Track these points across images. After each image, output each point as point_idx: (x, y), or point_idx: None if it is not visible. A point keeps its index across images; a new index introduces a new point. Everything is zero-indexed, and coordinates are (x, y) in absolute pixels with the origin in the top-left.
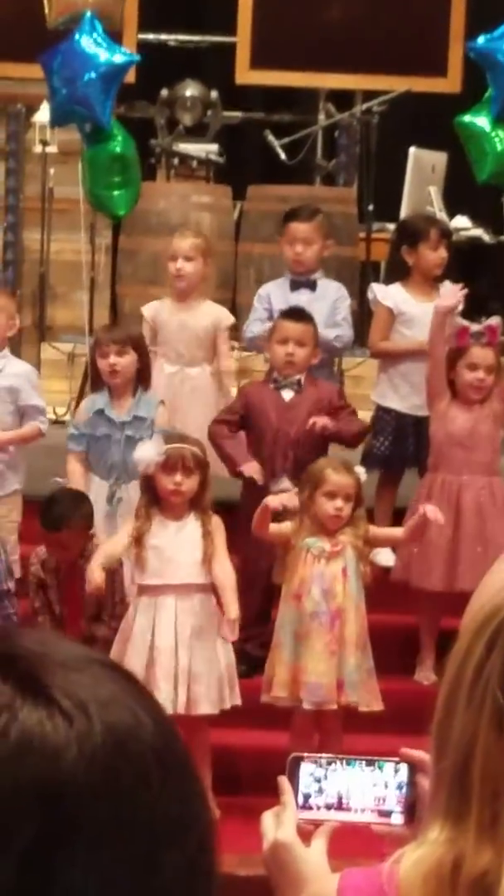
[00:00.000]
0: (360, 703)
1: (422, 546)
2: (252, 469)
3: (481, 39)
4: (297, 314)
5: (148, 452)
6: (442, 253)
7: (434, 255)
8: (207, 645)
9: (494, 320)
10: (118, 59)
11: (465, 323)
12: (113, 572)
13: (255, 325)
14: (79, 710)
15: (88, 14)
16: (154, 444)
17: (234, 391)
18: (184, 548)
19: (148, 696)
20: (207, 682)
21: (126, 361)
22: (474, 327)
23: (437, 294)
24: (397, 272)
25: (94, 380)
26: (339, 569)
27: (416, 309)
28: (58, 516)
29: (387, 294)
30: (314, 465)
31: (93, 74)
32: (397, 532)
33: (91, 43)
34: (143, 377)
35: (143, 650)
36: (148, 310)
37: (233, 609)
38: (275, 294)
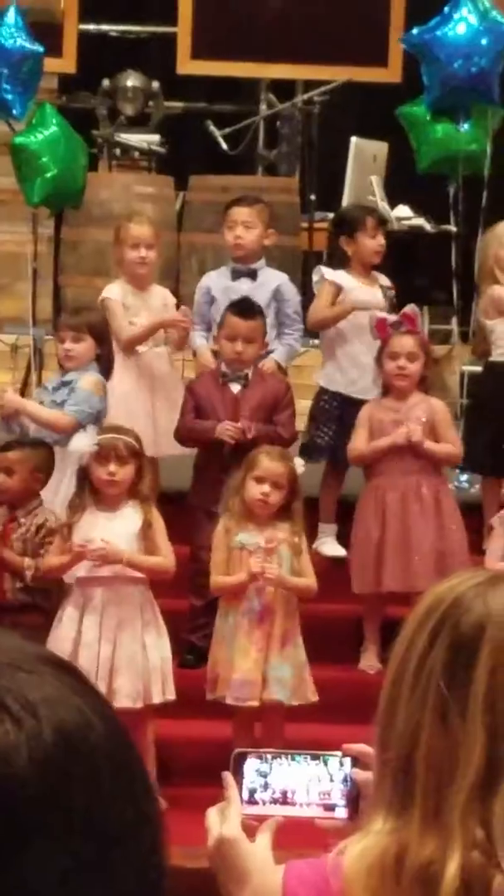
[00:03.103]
0: (291, 699)
1: (356, 549)
2: (222, 430)
3: (415, 31)
4: (245, 310)
5: (81, 443)
6: (380, 240)
7: (372, 243)
8: (134, 638)
9: (409, 308)
10: (26, 49)
11: (381, 315)
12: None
13: (198, 337)
14: (27, 712)
15: (12, 5)
16: (88, 435)
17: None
18: (116, 540)
19: (96, 695)
20: (130, 675)
21: (81, 348)
22: (391, 318)
23: (377, 282)
24: (337, 262)
25: (37, 363)
26: (274, 566)
27: (361, 293)
28: (14, 440)
29: (335, 275)
30: (253, 450)
31: (4, 69)
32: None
33: (7, 35)
34: (102, 364)
35: (68, 642)
36: (114, 293)
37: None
38: (215, 283)
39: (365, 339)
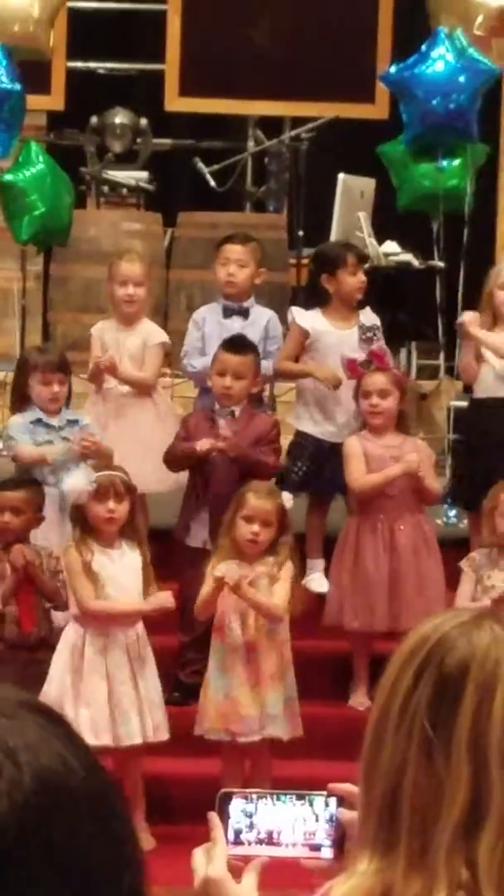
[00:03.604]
0: (283, 735)
1: (358, 589)
2: (202, 445)
3: (393, 69)
4: (237, 346)
5: (78, 482)
6: (361, 277)
7: (353, 280)
8: (129, 678)
9: (376, 346)
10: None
11: (350, 355)
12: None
13: (196, 359)
14: (8, 758)
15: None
16: (83, 474)
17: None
18: (128, 575)
19: (77, 740)
20: (125, 714)
21: (66, 390)
22: (359, 357)
23: (357, 319)
24: (316, 300)
25: (21, 398)
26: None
27: (331, 337)
28: (15, 479)
29: (304, 317)
30: (241, 488)
31: None
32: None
33: None
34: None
35: (61, 682)
36: (96, 329)
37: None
38: (209, 319)
39: (321, 388)
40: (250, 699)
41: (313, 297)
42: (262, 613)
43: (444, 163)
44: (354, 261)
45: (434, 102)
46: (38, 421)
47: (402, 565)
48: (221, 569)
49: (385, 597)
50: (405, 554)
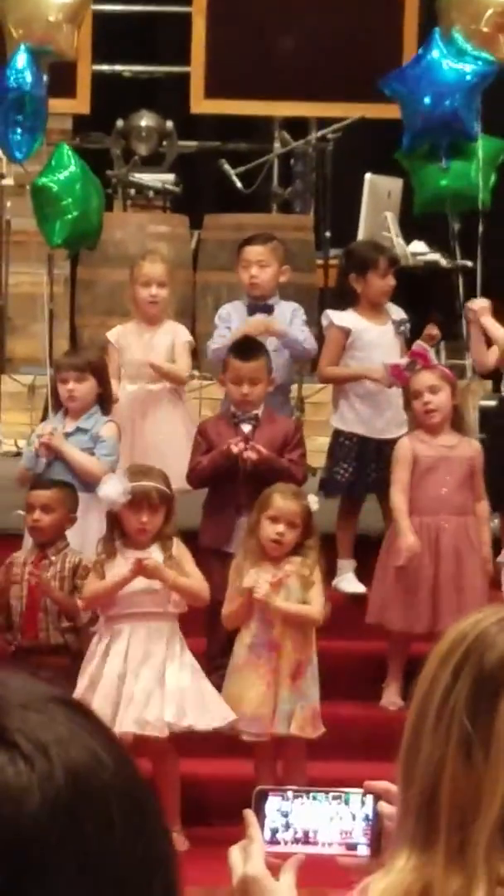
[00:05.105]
0: (296, 731)
1: (401, 589)
2: (234, 444)
3: (392, 73)
4: (247, 352)
5: (114, 491)
6: (390, 281)
7: (382, 283)
8: (159, 670)
9: (417, 346)
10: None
11: (393, 362)
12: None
13: (217, 342)
14: (39, 752)
15: (22, 47)
16: (119, 482)
17: (192, 403)
18: (143, 579)
19: (107, 734)
20: (155, 705)
21: (85, 388)
22: (402, 362)
23: (388, 315)
24: (345, 300)
25: (54, 404)
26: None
27: (371, 333)
28: (48, 479)
29: (342, 318)
30: (267, 489)
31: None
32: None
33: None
34: (103, 403)
35: (93, 676)
36: (112, 334)
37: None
38: (234, 316)
39: (365, 384)
40: (262, 697)
41: (341, 296)
42: (298, 621)
43: (445, 163)
44: (386, 264)
45: (427, 103)
46: (55, 430)
47: (443, 566)
48: (250, 580)
49: (428, 598)
50: (447, 555)
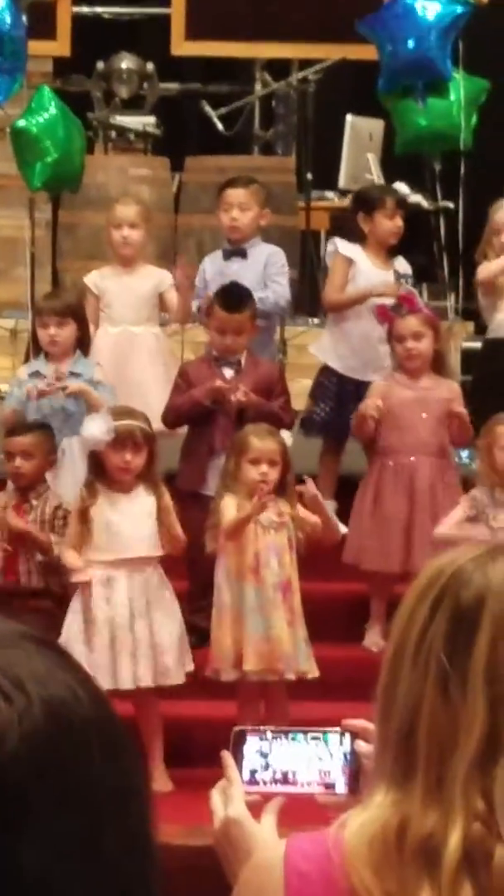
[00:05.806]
0: (308, 672)
1: (376, 529)
2: (215, 384)
3: (370, 16)
4: (232, 302)
5: (98, 430)
6: (398, 222)
7: (390, 224)
8: (158, 617)
9: (404, 289)
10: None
11: (380, 301)
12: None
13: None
14: (17, 688)
15: None
16: (102, 421)
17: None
18: (135, 522)
19: (79, 669)
20: (174, 653)
21: (66, 333)
22: (389, 302)
23: (392, 264)
24: (353, 239)
25: (34, 347)
26: (286, 539)
27: (371, 275)
28: (25, 423)
29: (348, 248)
30: (238, 432)
31: None
32: (315, 519)
33: None
34: (82, 345)
35: (78, 624)
36: (90, 279)
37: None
38: (209, 266)
39: (361, 322)
40: (289, 635)
41: (350, 234)
42: (330, 527)
43: (422, 104)
44: (393, 205)
45: (401, 44)
46: (36, 373)
47: (418, 507)
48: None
49: (402, 537)
50: (422, 495)
